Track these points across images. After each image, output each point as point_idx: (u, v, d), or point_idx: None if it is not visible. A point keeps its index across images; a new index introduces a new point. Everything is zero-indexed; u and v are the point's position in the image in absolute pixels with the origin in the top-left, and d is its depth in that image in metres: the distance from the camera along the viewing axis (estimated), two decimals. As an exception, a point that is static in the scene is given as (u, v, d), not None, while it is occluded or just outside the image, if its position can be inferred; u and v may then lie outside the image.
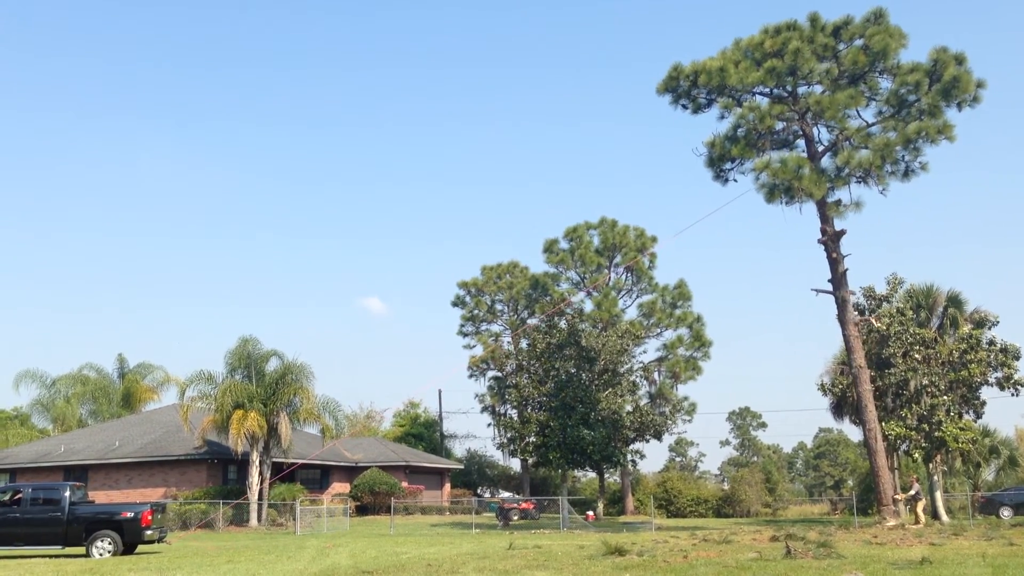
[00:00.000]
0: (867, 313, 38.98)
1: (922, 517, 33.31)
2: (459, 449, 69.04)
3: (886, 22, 30.58)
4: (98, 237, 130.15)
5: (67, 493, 22.24)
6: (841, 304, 31.96)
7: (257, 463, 40.06)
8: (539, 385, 45.64)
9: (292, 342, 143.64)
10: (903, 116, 30.40)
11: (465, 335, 59.21)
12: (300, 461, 43.62)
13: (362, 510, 46.49)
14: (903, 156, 30.71)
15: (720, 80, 31.20)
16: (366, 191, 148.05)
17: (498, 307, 59.39)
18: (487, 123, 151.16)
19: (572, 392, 44.24)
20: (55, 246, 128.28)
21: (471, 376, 57.25)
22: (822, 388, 41.55)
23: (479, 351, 57.42)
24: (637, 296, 54.26)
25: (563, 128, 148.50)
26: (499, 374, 55.27)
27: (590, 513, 46.21)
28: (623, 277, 54.37)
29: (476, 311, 59.04)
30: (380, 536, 29.99)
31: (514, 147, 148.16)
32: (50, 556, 21.43)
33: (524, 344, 51.13)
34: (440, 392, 69.90)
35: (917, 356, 36.98)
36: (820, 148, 32.28)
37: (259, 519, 39.49)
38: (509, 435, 49.04)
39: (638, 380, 49.81)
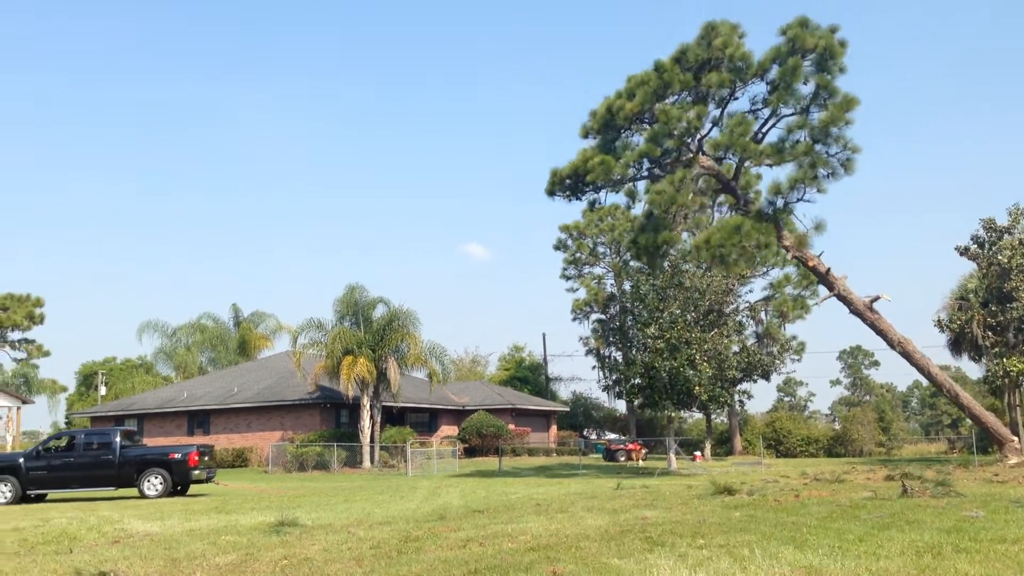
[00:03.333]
0: (987, 247, 37.35)
1: None
2: (564, 392, 69.42)
3: (726, 26, 27.22)
4: (209, 191, 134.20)
5: (117, 438, 23.51)
6: (846, 300, 29.69)
7: (368, 407, 41.09)
8: (643, 327, 45.37)
9: (397, 289, 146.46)
10: (801, 109, 27.24)
11: (568, 278, 59.10)
12: (409, 404, 44.58)
13: (470, 452, 47.32)
14: (828, 152, 27.39)
15: (606, 175, 28.03)
16: (467, 141, 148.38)
17: (600, 249, 59.03)
18: (589, 71, 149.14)
19: (677, 333, 43.82)
20: (168, 202, 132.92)
21: (575, 319, 57.27)
22: (939, 324, 40.19)
23: (582, 294, 57.33)
24: (742, 234, 53.09)
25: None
26: (603, 316, 55.11)
27: (697, 454, 46.06)
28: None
29: (578, 254, 58.79)
30: (489, 477, 30.48)
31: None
32: (107, 498, 22.72)
33: (627, 286, 50.78)
34: (544, 335, 70.64)
35: (1041, 289, 35.36)
36: (742, 194, 29.66)
37: (371, 461, 40.61)
38: (614, 377, 49.07)
39: (744, 320, 49.05)
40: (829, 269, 28.69)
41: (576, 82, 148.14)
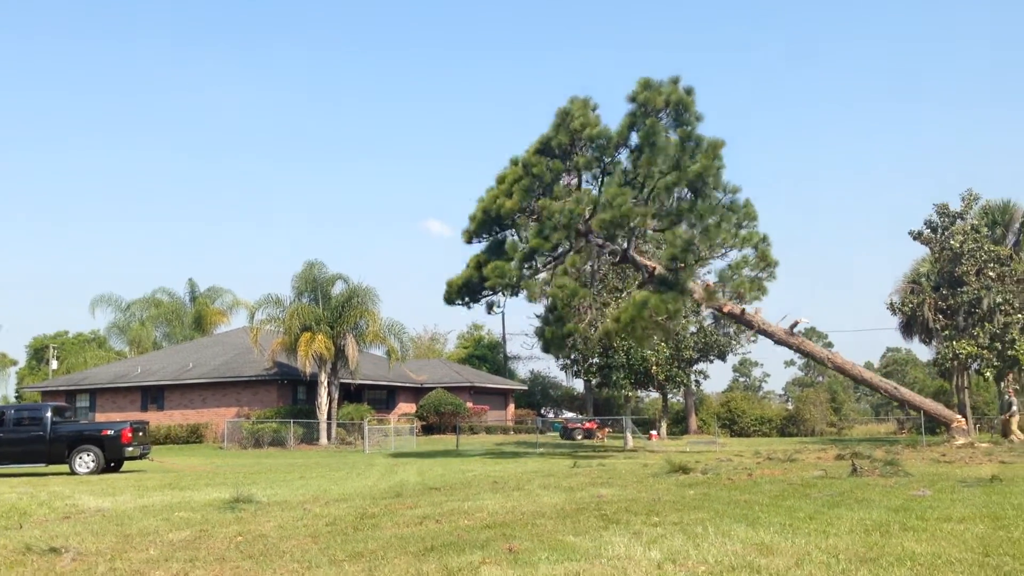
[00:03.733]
0: (940, 231, 37.97)
1: (1018, 433, 32.60)
2: (523, 370, 69.65)
3: (578, 105, 27.51)
4: (164, 164, 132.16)
5: (48, 413, 23.15)
6: (767, 333, 30.66)
7: (326, 384, 40.95)
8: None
9: (356, 266, 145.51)
10: (672, 166, 27.34)
11: (527, 257, 59.02)
12: (368, 382, 44.46)
13: (428, 430, 47.38)
14: (711, 201, 28.36)
15: (501, 279, 27.71)
16: (426, 110, 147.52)
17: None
18: (543, 47, 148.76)
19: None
20: (124, 173, 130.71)
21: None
22: (891, 307, 40.85)
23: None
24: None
25: (601, 49, 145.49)
26: (562, 296, 55.24)
27: (653, 433, 46.49)
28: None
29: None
30: (446, 455, 30.55)
31: (560, 68, 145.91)
32: (38, 474, 22.46)
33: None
34: (503, 314, 70.40)
35: (991, 274, 36.03)
36: (643, 264, 30.12)
37: (328, 438, 40.52)
38: (572, 356, 49.29)
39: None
40: (743, 310, 29.63)
41: (550, 53, 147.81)
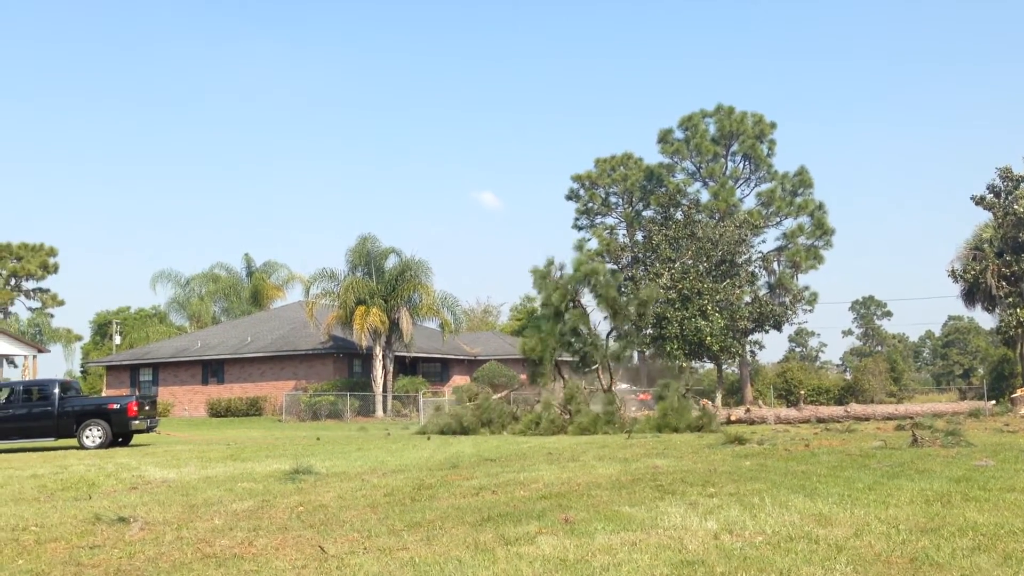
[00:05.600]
0: (1003, 196, 37.06)
1: None
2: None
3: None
4: (216, 142, 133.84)
5: (56, 389, 23.57)
6: None
7: (380, 357, 41.38)
8: (655, 277, 45.36)
9: (409, 239, 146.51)
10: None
11: (580, 228, 58.97)
12: (422, 354, 44.80)
13: (482, 402, 47.60)
14: None
15: None
16: (480, 83, 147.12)
17: (612, 200, 58.78)
18: (599, 9, 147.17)
19: (689, 284, 43.84)
20: (180, 151, 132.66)
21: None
22: (952, 274, 40.04)
23: (594, 244, 57.28)
24: (755, 185, 52.83)
25: (677, 11, 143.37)
26: (615, 267, 55.10)
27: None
28: (740, 166, 52.91)
29: (590, 204, 58.58)
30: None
31: (629, 32, 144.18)
32: (47, 448, 22.85)
33: (639, 236, 50.64)
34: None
35: (1056, 239, 35.14)
36: None
37: (384, 410, 40.99)
38: (626, 327, 49.17)
39: (757, 270, 48.97)
40: None
41: (601, 17, 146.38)
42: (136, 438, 24.91)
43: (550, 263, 27.19)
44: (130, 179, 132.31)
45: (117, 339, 66.52)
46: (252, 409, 43.48)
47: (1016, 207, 35.83)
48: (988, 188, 37.81)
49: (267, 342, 45.98)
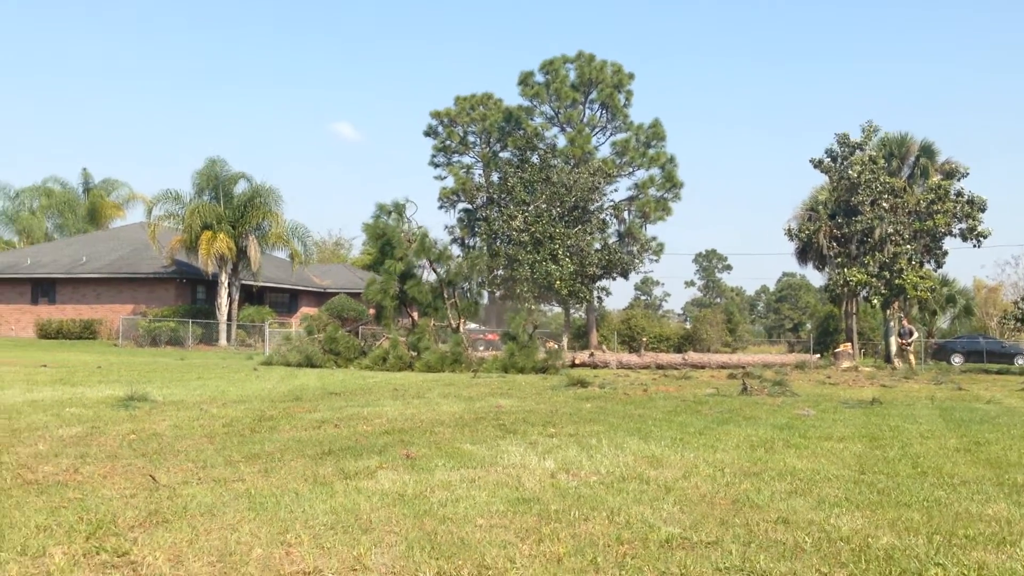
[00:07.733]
0: (839, 161, 38.96)
1: (913, 361, 33.14)
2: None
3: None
4: (61, 40, 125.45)
5: None
6: None
7: (226, 284, 40.27)
8: (509, 220, 45.68)
9: (261, 166, 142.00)
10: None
11: (436, 166, 58.64)
12: (270, 284, 43.83)
13: (330, 335, 47.11)
14: None
15: None
16: (341, 10, 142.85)
17: (471, 139, 58.59)
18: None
19: (542, 228, 44.38)
20: (20, 50, 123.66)
21: (441, 207, 57.06)
22: (788, 233, 41.99)
23: (450, 183, 57.07)
24: (611, 134, 53.69)
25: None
26: (469, 207, 55.13)
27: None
28: (598, 114, 53.60)
29: (448, 142, 58.22)
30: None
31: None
32: None
33: (495, 177, 50.78)
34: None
35: (885, 205, 37.26)
36: None
37: (228, 339, 40.02)
38: (477, 267, 49.45)
39: (608, 218, 49.97)
40: None
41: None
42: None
43: (383, 209, 27.44)
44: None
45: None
46: (86, 332, 41.60)
47: (850, 172, 37.75)
48: (826, 152, 39.66)
49: (105, 263, 43.92)
